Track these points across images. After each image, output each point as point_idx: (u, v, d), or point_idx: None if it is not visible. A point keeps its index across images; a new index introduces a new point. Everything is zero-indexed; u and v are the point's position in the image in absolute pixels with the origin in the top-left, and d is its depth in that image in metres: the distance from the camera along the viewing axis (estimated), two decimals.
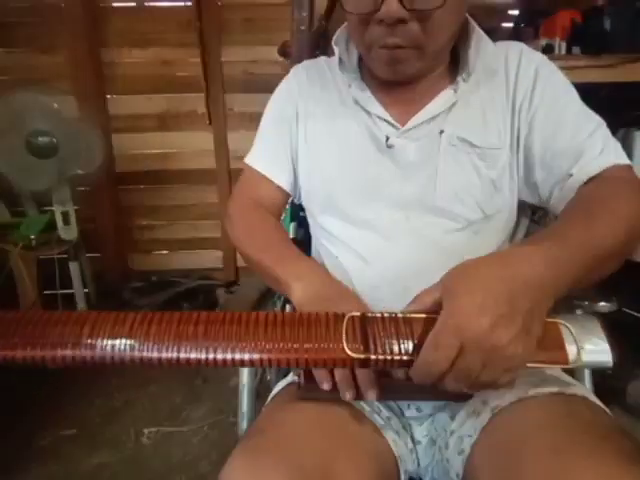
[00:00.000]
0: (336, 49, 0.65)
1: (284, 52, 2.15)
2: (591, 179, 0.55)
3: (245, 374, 0.72)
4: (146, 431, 1.37)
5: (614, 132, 1.78)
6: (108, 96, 2.48)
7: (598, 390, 0.67)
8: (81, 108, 2.37)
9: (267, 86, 2.61)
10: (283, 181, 0.72)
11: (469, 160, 0.60)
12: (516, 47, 0.63)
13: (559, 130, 0.58)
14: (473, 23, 0.61)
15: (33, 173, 1.67)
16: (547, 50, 1.51)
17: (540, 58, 0.62)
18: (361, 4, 0.53)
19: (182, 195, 2.63)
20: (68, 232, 1.89)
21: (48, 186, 1.75)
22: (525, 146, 0.60)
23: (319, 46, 1.46)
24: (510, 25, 1.98)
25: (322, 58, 0.75)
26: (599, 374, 0.70)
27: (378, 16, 0.51)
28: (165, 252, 2.69)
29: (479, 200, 0.60)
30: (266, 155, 0.73)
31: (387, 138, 0.62)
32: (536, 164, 0.59)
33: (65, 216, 1.86)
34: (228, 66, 2.49)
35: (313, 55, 1.60)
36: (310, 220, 0.75)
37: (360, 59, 0.66)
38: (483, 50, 0.60)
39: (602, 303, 0.65)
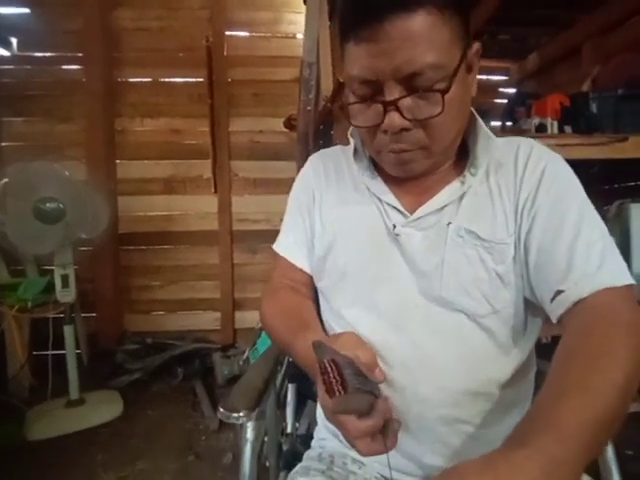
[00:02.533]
0: (352, 140, 0.69)
1: (289, 125, 2.27)
2: (582, 302, 0.52)
3: (247, 460, 0.67)
4: None
5: (609, 204, 1.82)
6: (118, 161, 2.58)
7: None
8: (90, 172, 2.45)
9: (271, 153, 2.76)
10: (305, 264, 0.75)
11: (476, 253, 0.59)
12: (527, 143, 0.63)
13: (557, 238, 0.56)
14: (480, 121, 0.62)
15: (38, 237, 1.68)
16: (540, 128, 1.60)
17: (548, 158, 0.61)
18: (367, 119, 0.57)
19: (183, 256, 2.65)
20: (66, 295, 1.86)
21: (52, 249, 1.76)
22: (525, 245, 0.59)
23: (324, 124, 1.54)
24: (504, 102, 2.12)
25: (338, 147, 0.79)
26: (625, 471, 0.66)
27: (382, 127, 0.55)
28: (162, 313, 2.65)
29: (486, 294, 0.58)
30: (288, 242, 0.76)
31: (394, 226, 0.63)
32: (531, 269, 0.58)
33: (64, 279, 1.84)
34: (235, 135, 2.62)
35: (318, 132, 1.69)
36: (321, 301, 0.75)
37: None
38: (491, 147, 0.61)
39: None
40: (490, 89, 2.63)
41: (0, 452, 1.60)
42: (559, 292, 0.54)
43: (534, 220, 0.58)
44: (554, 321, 0.56)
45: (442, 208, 0.62)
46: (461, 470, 0.37)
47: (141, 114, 2.59)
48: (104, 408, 1.91)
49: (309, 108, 1.51)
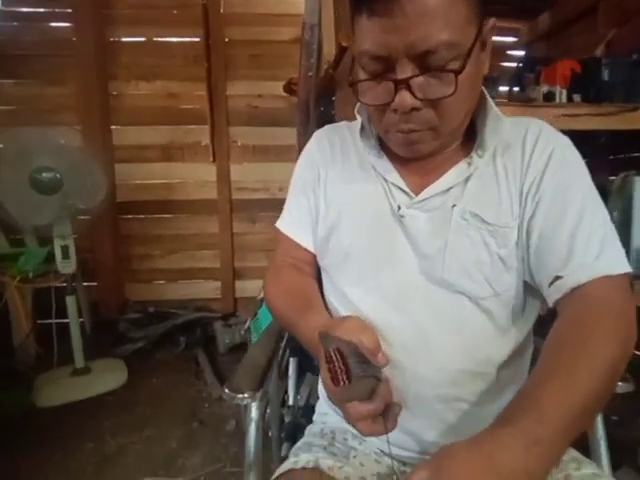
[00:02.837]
0: (359, 117, 0.67)
1: (290, 89, 2.19)
2: (579, 288, 0.53)
3: (252, 438, 0.68)
4: None
5: (615, 175, 1.79)
6: (113, 127, 2.51)
7: (610, 451, 0.66)
8: (86, 139, 2.38)
9: (271, 119, 2.69)
10: (309, 243, 0.74)
11: (480, 236, 0.59)
12: (536, 126, 0.62)
13: (558, 225, 0.56)
14: (490, 101, 0.61)
15: (36, 208, 1.66)
16: (548, 97, 1.54)
17: (556, 142, 0.60)
18: (376, 96, 0.54)
19: (183, 225, 2.63)
20: (67, 266, 1.86)
21: (50, 221, 1.74)
22: (527, 230, 0.59)
23: (326, 91, 1.48)
24: (512, 65, 2.04)
25: (344, 123, 0.76)
26: (610, 436, 0.68)
27: (392, 106, 0.53)
28: (163, 282, 2.66)
29: (488, 277, 0.58)
30: (292, 220, 0.76)
31: (399, 207, 0.62)
32: (532, 253, 0.58)
33: (65, 250, 1.83)
34: (233, 100, 2.54)
35: (319, 99, 1.63)
36: (324, 279, 0.74)
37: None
38: (500, 129, 0.60)
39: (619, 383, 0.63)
40: (498, 51, 2.52)
41: (10, 417, 1.64)
42: (558, 277, 0.55)
43: (538, 205, 0.58)
44: (550, 305, 0.57)
45: (447, 190, 0.61)
46: (452, 449, 0.40)
47: (136, 76, 2.50)
48: (109, 376, 1.95)
49: (310, 74, 1.45)
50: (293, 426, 0.95)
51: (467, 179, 0.61)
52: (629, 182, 1.58)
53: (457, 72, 0.50)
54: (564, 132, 1.74)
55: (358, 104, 0.66)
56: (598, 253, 0.54)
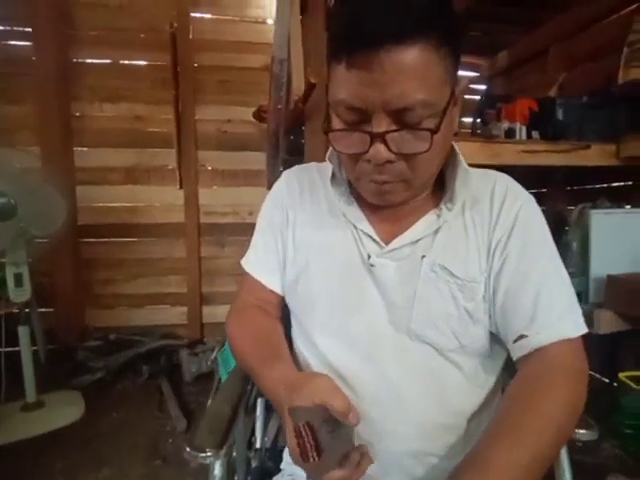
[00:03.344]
0: (329, 164, 0.66)
1: (259, 117, 2.21)
2: (540, 349, 0.56)
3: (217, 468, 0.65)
4: None
5: (573, 204, 1.88)
6: (76, 148, 2.43)
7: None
8: (45, 160, 2.31)
9: (241, 144, 2.69)
10: (275, 285, 0.73)
11: (448, 289, 0.59)
12: (503, 181, 0.64)
13: (524, 285, 0.58)
14: (460, 156, 0.62)
15: None
16: (509, 133, 1.63)
17: (523, 199, 0.62)
18: (350, 145, 0.54)
19: (148, 249, 2.56)
20: (20, 294, 1.76)
21: (2, 248, 1.65)
22: (493, 286, 0.60)
23: (295, 124, 1.50)
24: (475, 98, 2.14)
25: (313, 165, 0.76)
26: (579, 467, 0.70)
27: (366, 157, 0.53)
28: (127, 308, 2.56)
29: (455, 330, 0.59)
30: (258, 260, 0.74)
31: (369, 256, 0.63)
32: (497, 309, 0.59)
33: (18, 278, 1.74)
34: (202, 124, 2.52)
35: (289, 132, 1.64)
36: (293, 322, 0.73)
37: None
38: (468, 183, 0.61)
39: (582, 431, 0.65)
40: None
41: None
42: (522, 336, 0.57)
43: (504, 263, 0.59)
44: (513, 359, 0.60)
45: (417, 241, 0.62)
46: None
47: (100, 98, 2.44)
48: (64, 410, 1.84)
49: (279, 106, 1.46)
50: (260, 471, 0.91)
51: (436, 231, 0.62)
52: (585, 215, 1.67)
53: (433, 131, 0.51)
54: (525, 168, 1.81)
55: (330, 150, 0.67)
56: (560, 315, 0.57)
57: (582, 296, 1.61)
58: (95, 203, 2.48)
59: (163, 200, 2.54)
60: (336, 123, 0.55)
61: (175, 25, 2.38)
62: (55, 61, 2.30)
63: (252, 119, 2.36)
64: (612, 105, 1.60)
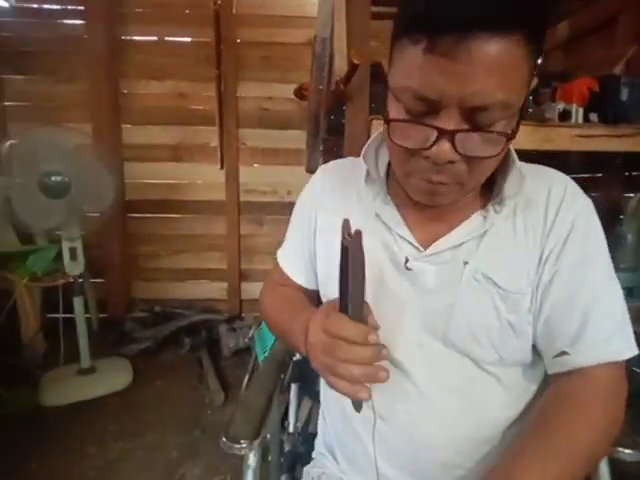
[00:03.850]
0: (364, 165, 0.63)
1: (300, 95, 2.17)
2: (579, 368, 0.53)
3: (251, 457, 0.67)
4: None
5: (630, 193, 1.76)
6: (123, 125, 2.51)
7: (613, 463, 0.64)
8: (96, 137, 2.40)
9: (281, 122, 2.67)
10: (304, 282, 0.75)
11: (490, 299, 0.56)
12: (561, 183, 0.58)
13: (574, 300, 0.54)
14: (513, 155, 0.57)
15: (44, 212, 1.67)
16: (564, 115, 1.51)
17: (581, 205, 0.57)
18: (409, 138, 0.48)
19: (190, 225, 2.64)
20: (74, 267, 1.88)
21: (58, 224, 1.75)
22: (540, 298, 0.56)
23: (337, 105, 1.46)
24: None
25: (349, 160, 0.74)
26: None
27: (427, 154, 0.48)
28: (169, 281, 2.68)
29: (495, 343, 0.56)
30: (290, 257, 0.77)
31: (406, 260, 0.59)
32: (541, 322, 0.56)
33: (72, 252, 1.85)
34: (243, 101, 2.52)
35: (329, 113, 1.61)
36: None
37: (388, 171, 0.65)
38: (523, 184, 0.56)
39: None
40: None
41: (14, 416, 1.67)
42: (564, 352, 0.54)
43: (555, 275, 0.55)
44: (549, 372, 0.57)
45: (460, 245, 0.58)
46: None
47: (146, 76, 2.48)
48: (115, 377, 1.97)
49: (321, 87, 1.43)
50: (293, 455, 0.95)
51: (482, 235, 0.57)
52: None
53: (510, 137, 0.47)
54: (579, 153, 1.69)
55: (365, 148, 0.63)
56: (609, 336, 0.53)
57: (635, 291, 1.52)
58: (141, 180, 2.57)
59: (205, 178, 2.59)
60: (397, 111, 0.49)
61: (219, 1, 2.36)
62: (105, 39, 2.36)
63: (293, 97, 2.33)
64: None
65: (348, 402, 0.50)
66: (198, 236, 2.65)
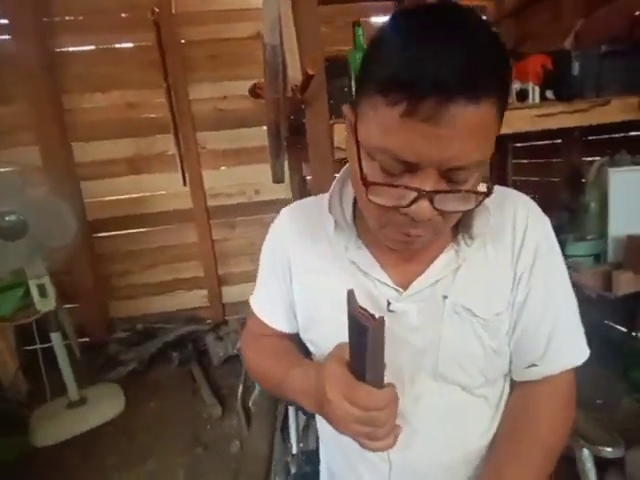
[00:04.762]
0: (331, 217, 0.62)
1: (255, 94, 2.10)
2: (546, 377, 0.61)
3: None
4: None
5: (588, 157, 1.82)
6: (73, 144, 2.38)
7: (597, 458, 0.71)
8: (45, 159, 2.27)
9: (239, 121, 2.59)
10: (287, 328, 0.72)
11: (472, 330, 0.58)
12: (524, 207, 0.61)
13: (543, 319, 0.60)
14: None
15: (3, 255, 1.58)
16: (522, 95, 1.53)
17: (542, 226, 0.61)
18: (389, 198, 0.48)
19: (160, 237, 2.57)
20: (45, 304, 1.81)
21: (20, 265, 1.67)
22: (515, 318, 0.61)
23: (295, 112, 1.42)
24: None
25: (313, 201, 0.71)
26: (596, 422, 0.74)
27: (406, 212, 0.47)
28: (147, 297, 2.62)
29: (481, 368, 0.59)
30: (267, 304, 0.73)
31: (389, 303, 0.60)
32: (514, 340, 0.61)
33: (41, 289, 1.77)
34: (197, 104, 2.43)
35: (287, 121, 1.57)
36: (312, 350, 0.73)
37: (354, 210, 0.64)
38: (488, 217, 0.57)
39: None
40: None
41: (9, 463, 1.64)
42: (534, 365, 0.61)
43: (528, 296, 0.60)
44: (517, 379, 0.64)
45: (437, 281, 0.60)
46: None
47: (89, 88, 2.35)
48: (106, 405, 1.94)
49: (277, 96, 1.39)
50: (300, 477, 0.97)
51: (456, 269, 0.59)
52: (604, 173, 1.61)
53: (487, 195, 0.48)
54: (539, 132, 1.70)
55: (328, 198, 0.62)
56: (570, 345, 0.61)
57: (601, 257, 1.59)
58: (101, 197, 2.47)
59: (167, 187, 2.51)
60: (372, 170, 0.48)
61: (156, 9, 2.22)
62: (38, 53, 2.20)
63: (247, 93, 2.25)
64: (635, 52, 1.48)
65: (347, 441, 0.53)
66: (170, 247, 2.59)
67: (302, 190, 2.29)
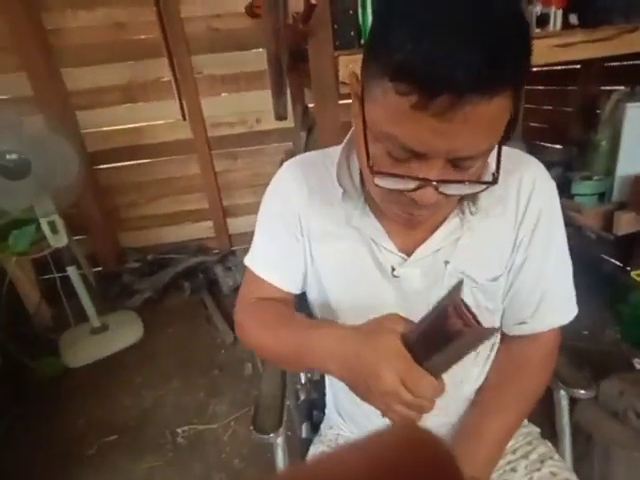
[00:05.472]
0: (340, 190, 0.62)
1: (252, 12, 1.94)
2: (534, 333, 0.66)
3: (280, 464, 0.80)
4: (180, 431, 1.54)
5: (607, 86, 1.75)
6: (62, 70, 2.25)
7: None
8: (36, 88, 2.17)
9: (236, 43, 2.43)
10: (292, 287, 0.69)
11: (470, 293, 0.62)
12: (530, 173, 0.61)
13: (537, 284, 0.63)
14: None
15: (9, 195, 1.60)
16: (542, 20, 1.41)
17: (547, 192, 0.62)
18: (395, 183, 0.48)
19: (163, 169, 2.55)
20: (58, 240, 1.86)
21: (28, 204, 1.69)
22: (511, 280, 0.64)
23: (298, 44, 1.32)
24: None
25: (319, 158, 0.68)
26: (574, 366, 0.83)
27: (411, 196, 0.48)
28: (155, 228, 2.68)
29: None
30: (270, 261, 0.69)
31: (393, 269, 0.62)
32: (508, 298, 0.66)
33: (52, 225, 1.81)
34: (190, 24, 2.25)
35: (289, 51, 1.46)
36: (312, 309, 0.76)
37: (362, 181, 0.62)
38: (494, 189, 0.54)
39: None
40: None
41: (45, 382, 1.82)
42: (524, 322, 0.66)
43: (526, 261, 0.63)
44: (507, 333, 0.70)
45: (440, 248, 0.62)
46: None
47: (71, 4, 2.15)
48: (127, 331, 2.10)
49: (277, 26, 1.28)
50: (308, 403, 1.09)
51: (459, 237, 0.61)
52: (620, 108, 1.54)
53: (492, 183, 0.48)
54: (558, 64, 1.60)
55: (337, 167, 0.62)
56: (560, 305, 0.66)
57: (605, 196, 1.59)
58: (99, 128, 2.40)
59: (166, 117, 2.43)
60: (378, 153, 0.48)
61: None
62: None
63: (242, 10, 2.07)
64: None
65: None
66: (173, 179, 2.58)
67: (304, 119, 2.21)
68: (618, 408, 1.14)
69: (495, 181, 0.48)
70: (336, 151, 0.65)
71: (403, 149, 0.45)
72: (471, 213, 0.60)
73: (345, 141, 0.65)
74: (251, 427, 0.77)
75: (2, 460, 1.49)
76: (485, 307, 0.64)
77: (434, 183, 0.46)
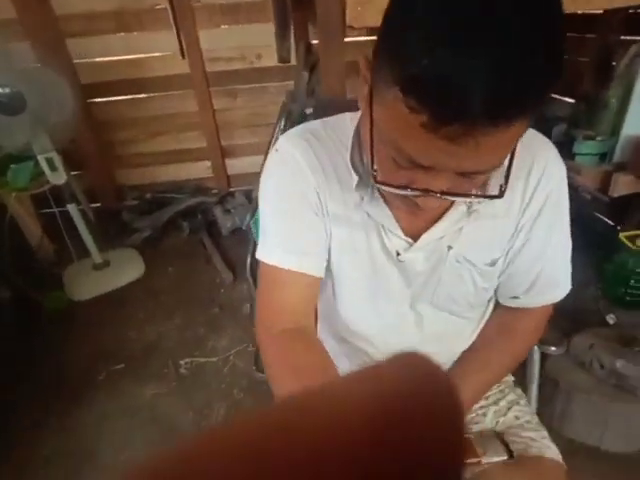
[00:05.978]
0: (355, 177, 0.60)
1: None
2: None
3: None
4: (182, 362, 1.66)
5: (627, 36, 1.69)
6: None
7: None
8: (21, 10, 2.04)
9: None
10: (320, 270, 0.65)
11: (470, 276, 0.65)
12: (542, 158, 0.60)
13: (534, 264, 0.65)
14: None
15: (6, 130, 1.57)
16: None
17: (556, 179, 0.61)
18: (397, 182, 0.48)
19: (159, 105, 2.48)
20: (56, 177, 1.85)
21: (25, 141, 1.66)
22: (509, 260, 0.66)
23: None
24: None
25: (324, 131, 0.63)
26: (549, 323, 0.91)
27: (415, 200, 0.49)
28: (153, 166, 2.65)
29: (470, 301, 0.68)
30: (292, 244, 0.63)
31: (398, 253, 0.64)
32: (505, 274, 0.67)
33: (50, 162, 1.80)
34: None
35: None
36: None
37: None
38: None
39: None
40: None
41: (54, 314, 1.91)
42: (517, 297, 0.70)
43: (525, 245, 0.64)
44: (501, 302, 0.74)
45: (445, 235, 0.62)
46: None
47: None
48: (129, 267, 2.16)
49: None
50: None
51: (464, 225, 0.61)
52: (636, 64, 1.49)
53: (499, 197, 0.49)
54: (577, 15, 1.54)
55: (350, 153, 0.61)
56: (555, 284, 0.67)
57: (607, 156, 1.59)
58: (91, 58, 2.29)
59: (162, 49, 2.31)
60: (385, 158, 0.47)
61: None
62: None
63: None
64: None
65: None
66: (171, 115, 2.51)
67: (307, 57, 2.12)
68: (585, 359, 1.24)
69: (502, 195, 0.48)
70: (339, 122, 0.63)
71: (409, 160, 0.44)
72: (478, 202, 0.58)
73: (354, 127, 0.62)
74: (253, 367, 0.86)
75: (20, 386, 1.61)
76: (482, 287, 0.67)
77: (438, 195, 0.46)
